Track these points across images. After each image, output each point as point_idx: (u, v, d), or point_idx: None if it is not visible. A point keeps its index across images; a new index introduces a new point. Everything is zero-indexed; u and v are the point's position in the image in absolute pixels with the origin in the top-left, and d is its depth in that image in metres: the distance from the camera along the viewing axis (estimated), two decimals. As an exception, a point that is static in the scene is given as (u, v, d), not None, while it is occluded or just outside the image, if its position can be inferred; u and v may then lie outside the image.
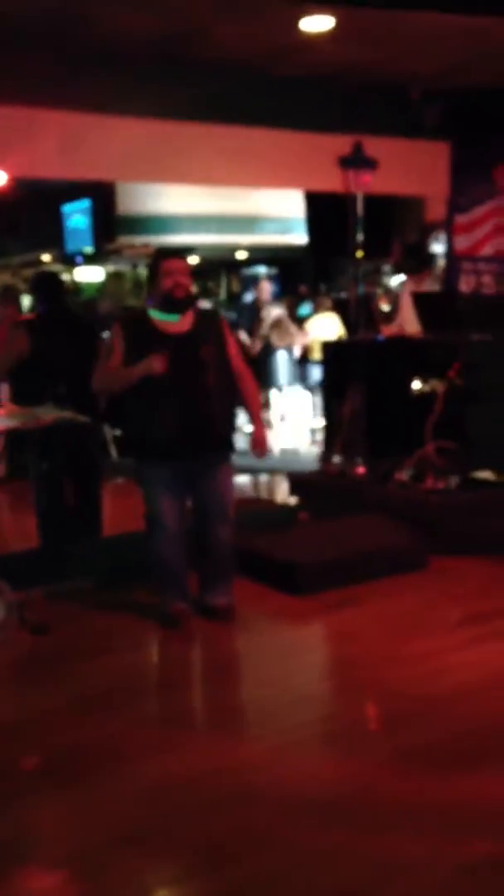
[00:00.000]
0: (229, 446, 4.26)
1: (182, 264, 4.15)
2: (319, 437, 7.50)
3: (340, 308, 8.35)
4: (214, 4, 5.61)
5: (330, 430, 6.98)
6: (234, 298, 14.36)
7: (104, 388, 4.34)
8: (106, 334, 5.05)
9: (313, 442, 8.69)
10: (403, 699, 3.56)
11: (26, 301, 10.22)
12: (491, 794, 2.87)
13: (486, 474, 6.07)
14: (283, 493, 6.99)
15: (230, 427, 4.27)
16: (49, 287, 5.39)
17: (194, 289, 4.18)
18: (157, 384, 4.01)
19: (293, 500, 6.69)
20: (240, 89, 7.05)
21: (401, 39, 6.38)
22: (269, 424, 8.53)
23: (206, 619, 4.30)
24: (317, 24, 5.96)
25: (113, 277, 14.59)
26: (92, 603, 4.65)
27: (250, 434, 4.47)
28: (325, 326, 9.34)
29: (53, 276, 5.94)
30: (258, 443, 4.39)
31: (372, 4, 4.82)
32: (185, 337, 4.10)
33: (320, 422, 7.71)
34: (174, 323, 4.11)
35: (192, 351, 4.07)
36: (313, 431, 8.92)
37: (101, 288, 13.72)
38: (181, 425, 4.04)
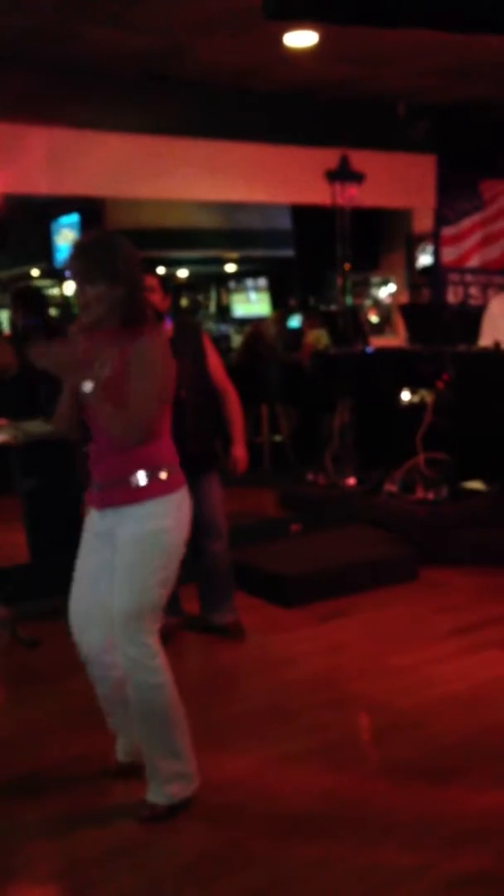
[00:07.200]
0: (208, 460, 4.21)
1: (149, 280, 4.17)
2: (309, 448, 7.50)
3: (328, 320, 8.36)
4: (198, 22, 5.64)
5: (320, 442, 7.00)
6: (223, 312, 14.38)
7: None
8: None
9: (302, 453, 8.69)
10: (392, 711, 3.57)
11: (3, 315, 10.13)
12: (479, 805, 2.88)
13: (475, 485, 6.10)
14: (273, 506, 7.00)
15: (206, 441, 4.22)
16: (35, 301, 5.41)
17: (168, 302, 4.19)
18: None
19: (284, 512, 6.69)
20: (225, 104, 7.08)
21: (385, 54, 6.42)
22: (261, 436, 8.52)
23: (218, 637, 4.36)
24: (300, 39, 5.99)
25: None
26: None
27: (230, 451, 4.41)
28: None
29: (38, 291, 5.97)
30: (236, 461, 4.36)
31: (356, 23, 4.82)
32: None
33: (310, 433, 7.72)
34: None
35: None
36: (302, 443, 8.91)
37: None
38: None
